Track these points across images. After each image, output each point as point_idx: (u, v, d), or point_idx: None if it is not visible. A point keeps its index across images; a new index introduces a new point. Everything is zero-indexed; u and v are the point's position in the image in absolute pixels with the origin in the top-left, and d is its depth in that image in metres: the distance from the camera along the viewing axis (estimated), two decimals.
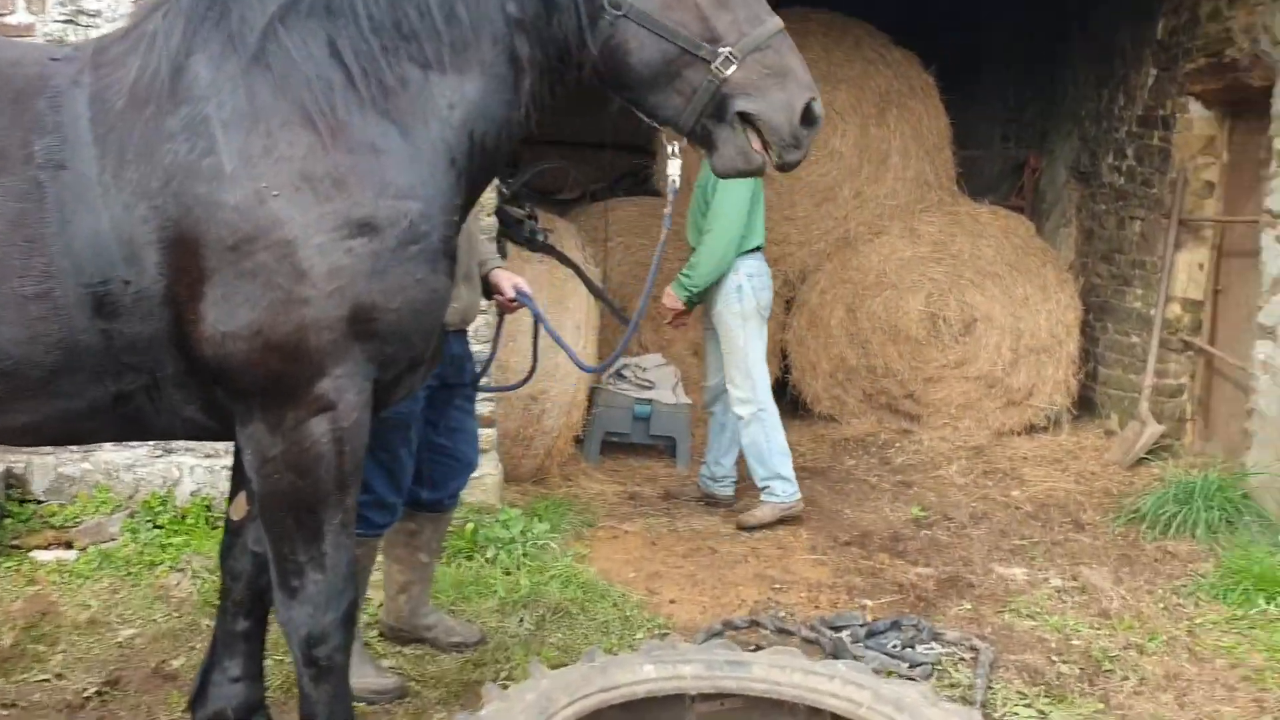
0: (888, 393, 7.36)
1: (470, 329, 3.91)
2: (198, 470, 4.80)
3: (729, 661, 3.33)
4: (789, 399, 7.65)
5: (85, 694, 3.59)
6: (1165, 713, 3.83)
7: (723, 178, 2.83)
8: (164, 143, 2.48)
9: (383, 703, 3.64)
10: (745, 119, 2.67)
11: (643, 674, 3.23)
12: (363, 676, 3.68)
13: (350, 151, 2.53)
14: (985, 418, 7.22)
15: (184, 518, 4.73)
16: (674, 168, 2.90)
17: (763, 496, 5.62)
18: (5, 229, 2.40)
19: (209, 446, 4.78)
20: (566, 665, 3.51)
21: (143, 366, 2.57)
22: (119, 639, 3.99)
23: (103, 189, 2.45)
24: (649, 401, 6.65)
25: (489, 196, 4.97)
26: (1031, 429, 7.35)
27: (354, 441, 2.62)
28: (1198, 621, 4.58)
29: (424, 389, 3.45)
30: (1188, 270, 6.79)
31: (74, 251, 2.44)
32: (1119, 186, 7.51)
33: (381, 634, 4.12)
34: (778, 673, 3.27)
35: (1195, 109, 6.70)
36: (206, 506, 4.76)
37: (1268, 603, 4.64)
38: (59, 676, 3.70)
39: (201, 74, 2.52)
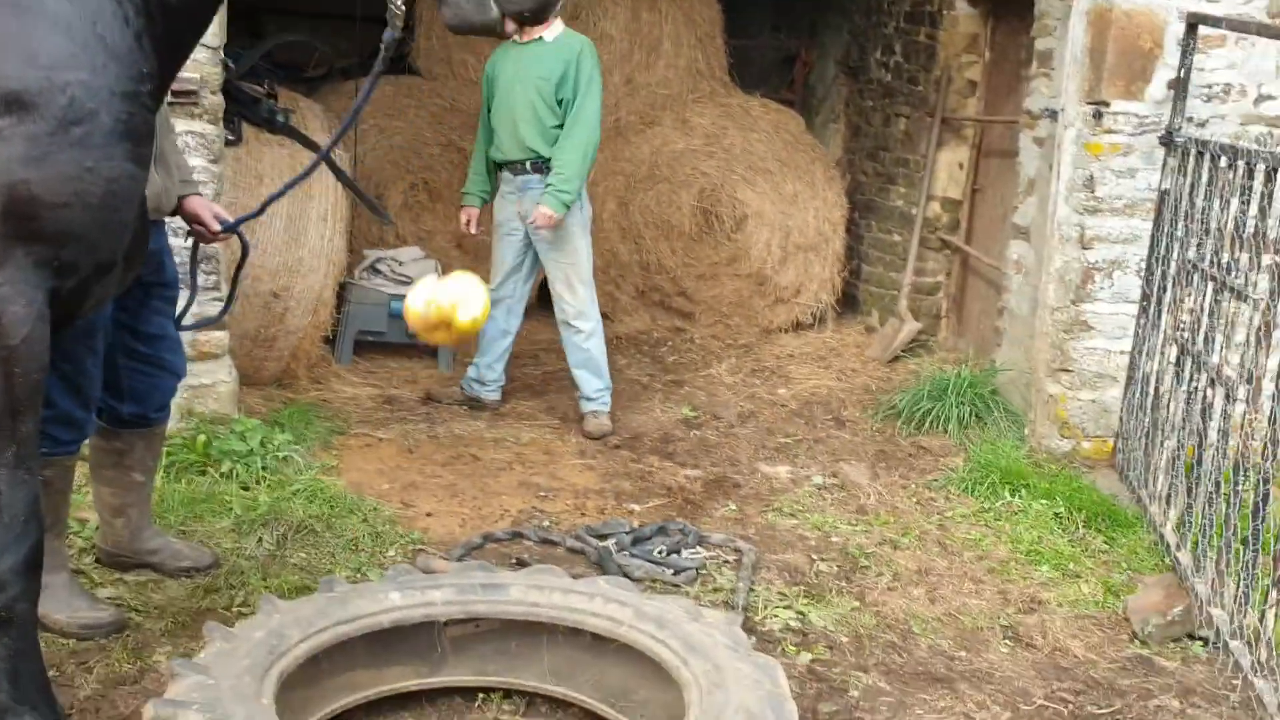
0: (660, 290, 7.23)
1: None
2: None
3: (484, 585, 3.13)
4: None
5: None
6: (917, 607, 3.90)
7: (454, 31, 2.60)
8: None
9: (98, 637, 3.25)
10: None
11: (388, 603, 3.00)
12: (74, 610, 3.28)
13: None
14: (755, 315, 7.21)
15: None
16: (392, 19, 2.61)
17: (598, 406, 5.50)
18: None
19: None
20: (304, 595, 3.23)
21: None
22: None
23: None
24: (404, 297, 6.25)
25: (212, 71, 4.42)
26: (798, 326, 7.40)
27: (26, 362, 2.22)
28: (948, 515, 4.71)
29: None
30: (948, 169, 6.91)
31: None
32: (886, 83, 7.54)
33: (99, 560, 3.70)
34: (536, 594, 3.10)
35: (961, 6, 6.74)
36: None
37: (1012, 495, 4.81)
38: None
39: None
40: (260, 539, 3.94)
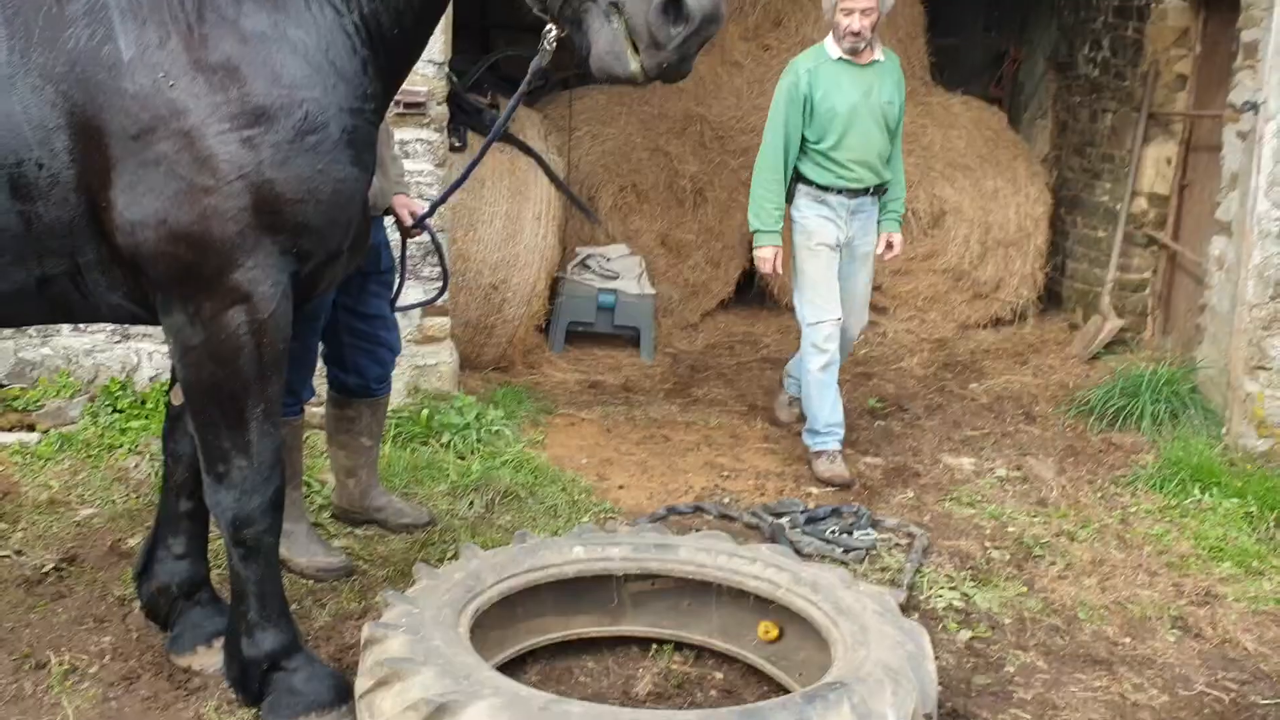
0: None
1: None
2: (156, 356, 4.87)
3: (656, 545, 3.46)
4: (757, 290, 7.71)
5: (44, 569, 3.73)
6: (1086, 595, 3.97)
7: (599, 78, 2.54)
8: (66, 28, 2.49)
9: (330, 579, 3.78)
10: (616, 9, 2.41)
11: (571, 555, 3.36)
12: (312, 555, 3.82)
13: (242, 41, 2.53)
14: (951, 310, 7.28)
15: (143, 402, 4.82)
16: (543, 51, 2.70)
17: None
18: None
19: None
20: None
21: (64, 251, 2.62)
22: (78, 518, 4.12)
23: (11, 71, 2.47)
24: (613, 291, 6.69)
25: (438, 84, 4.93)
26: (998, 322, 7.41)
27: (273, 333, 2.68)
28: (1131, 510, 4.71)
29: None
30: (1155, 165, 6.77)
31: None
32: (1093, 78, 7.43)
33: (334, 516, 4.25)
34: (703, 555, 3.40)
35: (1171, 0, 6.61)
36: (165, 391, 4.83)
37: (1202, 493, 4.77)
38: (18, 553, 3.84)
39: None
40: (471, 502, 4.42)
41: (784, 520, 4.43)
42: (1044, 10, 8.32)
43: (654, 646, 3.46)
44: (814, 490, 4.86)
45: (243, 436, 2.74)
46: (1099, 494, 4.90)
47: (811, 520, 4.43)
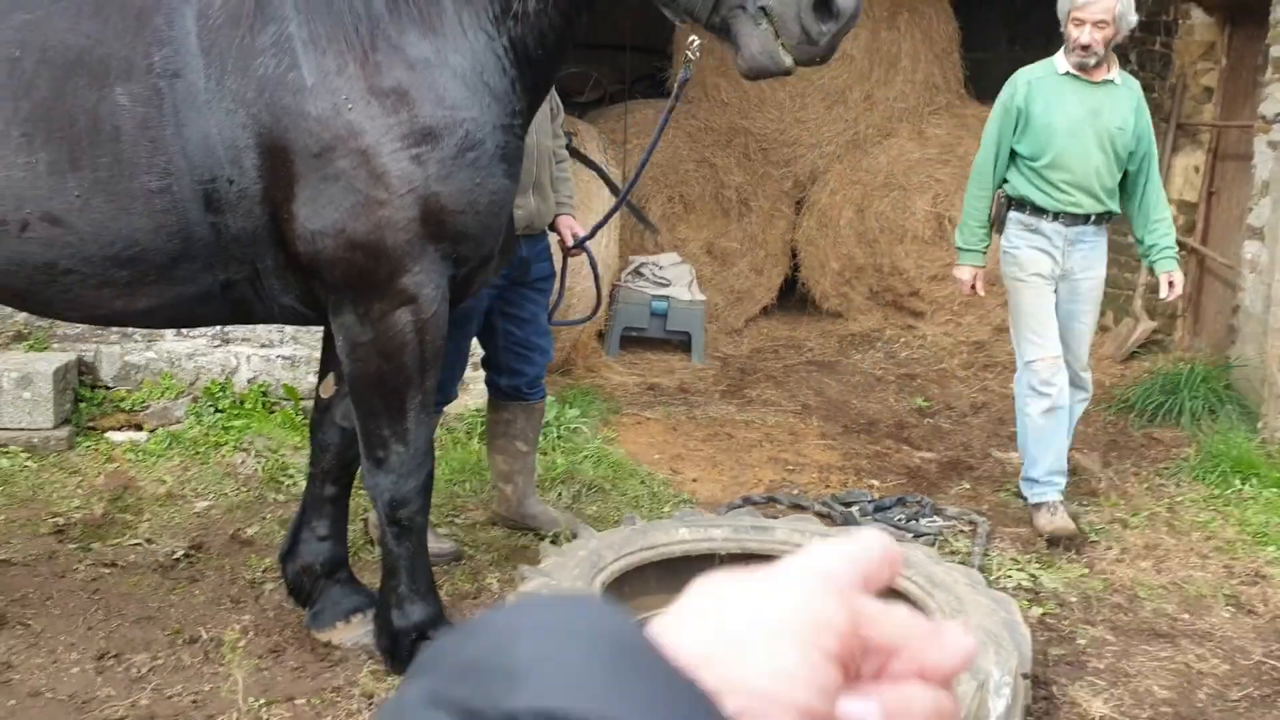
0: (893, 290, 7.70)
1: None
2: (254, 359, 5.15)
3: (754, 526, 3.74)
4: (798, 296, 8.00)
5: (175, 556, 4.00)
6: (1144, 577, 4.25)
7: (749, 78, 2.80)
8: (256, 57, 2.77)
9: (443, 564, 4.04)
10: (765, 11, 2.62)
11: (678, 536, 3.64)
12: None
13: (410, 68, 2.81)
14: (988, 314, 7.56)
15: (242, 403, 5.09)
16: (688, 61, 3.03)
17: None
18: (134, 131, 2.71)
19: (264, 337, 5.13)
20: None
21: (246, 258, 2.90)
22: (196, 510, 4.39)
23: (209, 96, 2.75)
24: (666, 298, 6.98)
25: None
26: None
27: (434, 331, 2.97)
28: (1178, 500, 4.99)
29: (492, 287, 3.80)
30: (1184, 173, 7.07)
31: (188, 151, 2.75)
32: None
33: (492, 521, 4.41)
34: (797, 535, 3.68)
35: (1197, 15, 6.90)
36: (263, 392, 5.13)
37: (1243, 483, 5.05)
38: (149, 541, 4.11)
39: None
40: (560, 494, 4.69)
41: (853, 509, 4.71)
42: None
43: None
44: (876, 483, 5.14)
45: (402, 425, 3.02)
46: (1145, 485, 5.18)
47: (879, 509, 4.72)
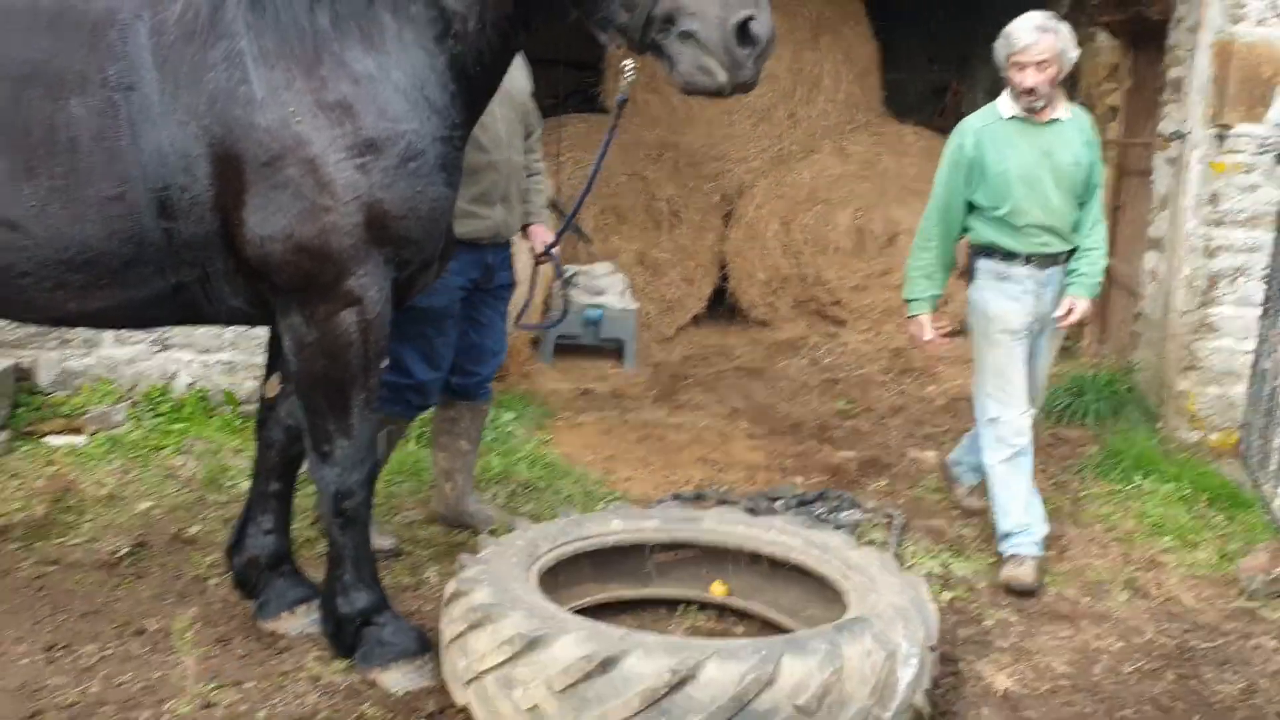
0: (817, 299, 7.99)
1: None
2: (193, 364, 5.25)
3: (683, 518, 3.95)
4: (727, 305, 8.26)
5: (118, 554, 4.09)
6: (1048, 565, 4.52)
7: (686, 93, 2.96)
8: (208, 71, 2.92)
9: (381, 558, 4.17)
10: (692, 36, 2.79)
11: (611, 527, 3.83)
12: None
13: (354, 82, 2.98)
14: (906, 324, 7.86)
15: (182, 407, 5.19)
16: (624, 84, 3.23)
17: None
18: (90, 141, 2.85)
19: (204, 343, 5.23)
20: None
21: (197, 262, 3.04)
22: (138, 510, 4.49)
23: (163, 108, 2.90)
24: (599, 306, 7.18)
25: None
26: (949, 334, 8.01)
27: (377, 331, 3.12)
28: (1082, 494, 5.29)
29: (460, 290, 3.98)
30: None
31: (143, 161, 2.89)
32: None
33: (431, 519, 4.54)
34: (724, 526, 3.89)
35: (1102, 38, 7.30)
36: (202, 397, 5.22)
37: (1143, 478, 5.36)
38: (92, 540, 4.20)
39: (233, 13, 2.95)
40: (495, 494, 4.86)
41: (778, 503, 4.94)
42: (982, 47, 8.99)
43: (680, 607, 3.93)
44: (800, 479, 5.38)
45: (346, 420, 3.17)
46: (1051, 481, 5.47)
47: (802, 503, 4.95)
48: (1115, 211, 7.45)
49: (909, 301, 4.65)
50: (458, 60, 3.12)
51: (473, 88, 3.21)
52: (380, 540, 4.22)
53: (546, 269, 4.64)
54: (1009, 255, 4.33)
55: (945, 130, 8.98)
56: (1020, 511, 4.38)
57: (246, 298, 3.14)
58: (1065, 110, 4.36)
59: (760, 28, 2.79)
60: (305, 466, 3.39)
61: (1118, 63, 7.32)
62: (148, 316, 3.19)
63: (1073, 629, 4.01)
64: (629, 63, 3.15)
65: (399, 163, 3.01)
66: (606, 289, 7.20)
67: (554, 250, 4.31)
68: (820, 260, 7.91)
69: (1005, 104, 4.33)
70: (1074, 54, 4.26)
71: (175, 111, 2.90)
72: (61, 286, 2.97)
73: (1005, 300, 4.36)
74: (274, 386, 3.51)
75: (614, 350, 7.31)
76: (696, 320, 8.17)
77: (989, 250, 4.38)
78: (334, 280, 3.02)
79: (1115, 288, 7.37)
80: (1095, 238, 4.41)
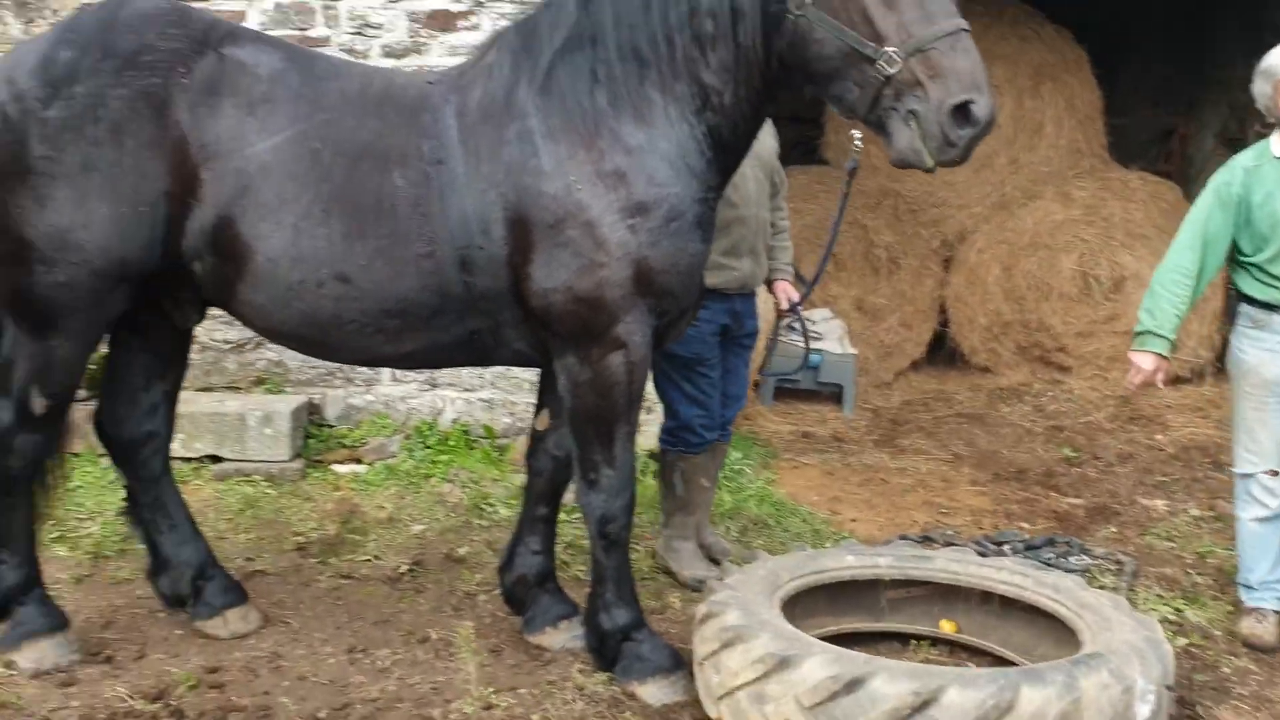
0: (1040, 345, 7.99)
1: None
2: (458, 402, 5.80)
3: (915, 556, 4.14)
4: (946, 351, 8.35)
5: (399, 570, 4.60)
6: None
7: (896, 166, 3.16)
8: (503, 146, 3.37)
9: (699, 588, 4.45)
10: (914, 115, 3.02)
11: (846, 562, 4.06)
12: (694, 569, 4.56)
13: (628, 153, 3.36)
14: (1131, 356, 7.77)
15: (447, 440, 5.73)
16: (854, 153, 3.52)
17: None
18: (408, 208, 3.33)
19: (467, 382, 5.78)
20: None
21: (490, 311, 3.48)
22: (413, 532, 5.01)
23: (467, 180, 3.36)
24: (819, 351, 7.41)
25: None
26: (1177, 380, 7.88)
27: (640, 372, 3.49)
28: None
29: (714, 336, 4.36)
30: None
31: (449, 224, 3.35)
32: None
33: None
34: (955, 565, 4.06)
35: None
36: (464, 431, 5.76)
37: None
38: (377, 558, 4.72)
39: (524, 97, 3.40)
40: (728, 528, 5.16)
41: (1005, 547, 5.05)
42: (1213, 89, 8.85)
43: (912, 642, 4.11)
44: (1025, 525, 5.46)
45: (611, 451, 3.54)
46: None
47: (1030, 547, 5.04)
48: None
49: (1143, 335, 4.33)
50: (715, 130, 3.46)
51: (726, 153, 3.55)
52: (707, 573, 4.52)
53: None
54: (1267, 306, 4.13)
55: (1171, 175, 8.92)
56: (1268, 568, 4.27)
57: (529, 342, 3.56)
58: None
59: (980, 110, 2.97)
60: (571, 494, 3.78)
61: None
62: (445, 358, 3.66)
63: None
64: (857, 133, 3.41)
65: (663, 223, 3.37)
66: (825, 334, 7.43)
67: (799, 307, 4.60)
68: (1044, 306, 7.93)
69: (1277, 142, 4.16)
70: None
71: (477, 182, 3.36)
72: (380, 332, 3.46)
73: (1260, 351, 4.17)
74: (544, 421, 3.93)
75: (832, 395, 7.52)
76: (915, 365, 8.30)
77: (1249, 298, 4.21)
78: (606, 327, 3.40)
79: None
80: None
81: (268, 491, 5.34)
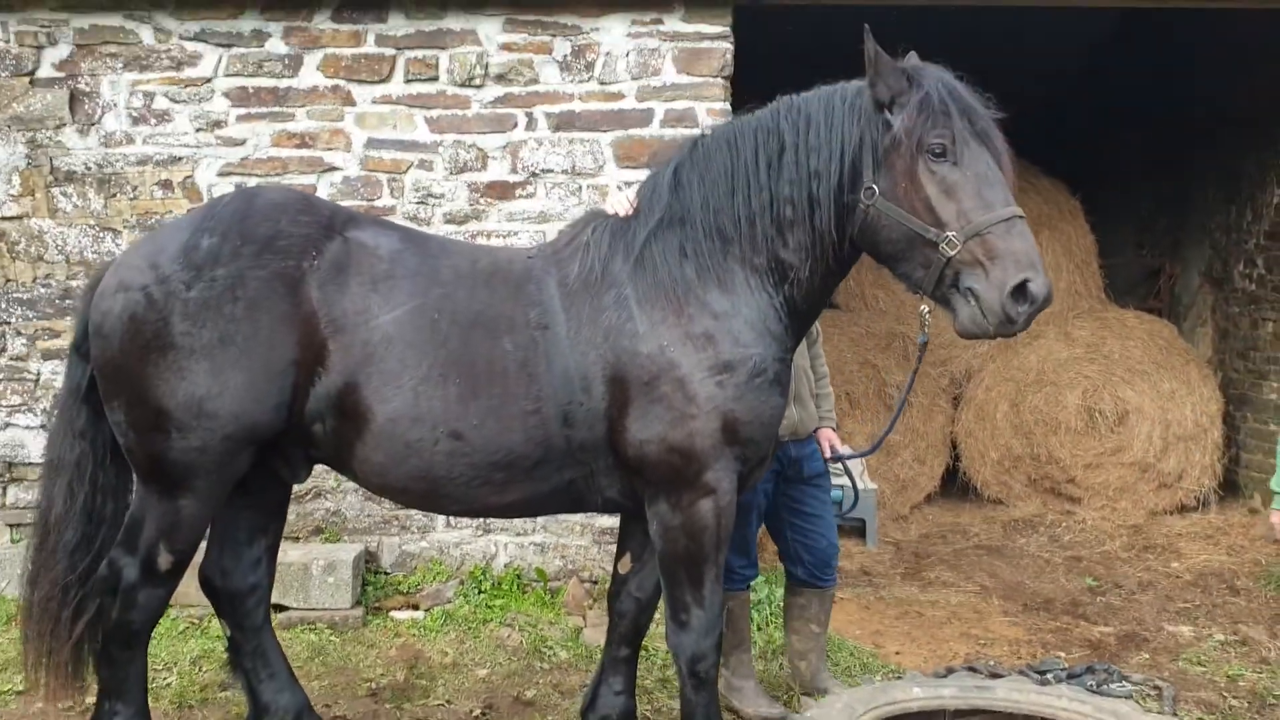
0: (1050, 477, 8.31)
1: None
2: (510, 546, 6.00)
3: (977, 686, 4.35)
4: (959, 484, 8.65)
5: (473, 714, 4.74)
6: None
7: (962, 338, 3.62)
8: (602, 313, 3.69)
9: None
10: (972, 293, 3.36)
11: (912, 694, 4.27)
12: (758, 706, 4.74)
13: (714, 317, 3.69)
14: (1140, 499, 8.11)
15: (500, 584, 5.92)
16: (925, 328, 3.84)
17: None
18: (516, 369, 3.63)
19: (519, 526, 6.00)
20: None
21: (586, 461, 3.75)
22: (479, 676, 5.16)
23: (569, 342, 3.67)
24: (840, 487, 7.68)
25: None
26: (1183, 508, 8.20)
27: (727, 516, 3.76)
28: None
29: (767, 483, 4.61)
30: None
31: (553, 383, 3.65)
32: (1250, 291, 8.43)
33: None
34: (1016, 694, 4.28)
35: None
36: (517, 575, 5.95)
37: None
38: (448, 702, 4.87)
39: (619, 268, 3.74)
40: (781, 664, 5.35)
41: (1048, 676, 5.25)
42: (1194, 231, 9.42)
43: None
44: (1062, 654, 5.67)
45: (700, 592, 3.77)
46: None
47: (1071, 676, 5.24)
48: None
49: (1277, 494, 4.64)
50: (790, 300, 3.81)
51: (800, 320, 3.89)
52: (770, 710, 4.71)
53: None
54: None
55: (1160, 311, 9.41)
56: None
57: (620, 490, 3.83)
58: None
59: (1037, 289, 3.29)
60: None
61: None
62: (545, 506, 3.91)
63: None
64: (925, 308, 3.75)
65: (748, 379, 3.68)
66: (842, 471, 7.69)
67: (840, 453, 4.90)
68: (1052, 440, 8.28)
69: None
70: None
71: (578, 344, 3.67)
72: (487, 483, 3.72)
73: None
74: (626, 564, 4.16)
75: (855, 529, 7.76)
76: (929, 499, 8.58)
77: None
78: (696, 474, 3.68)
79: None
80: None
81: (332, 639, 5.49)
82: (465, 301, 3.70)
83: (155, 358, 3.54)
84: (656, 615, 4.17)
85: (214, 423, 3.55)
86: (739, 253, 3.72)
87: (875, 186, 3.52)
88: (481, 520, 5.97)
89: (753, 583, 4.90)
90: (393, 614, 5.77)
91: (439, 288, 3.70)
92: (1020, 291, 3.30)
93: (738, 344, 3.68)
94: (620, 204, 3.88)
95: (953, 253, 3.38)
